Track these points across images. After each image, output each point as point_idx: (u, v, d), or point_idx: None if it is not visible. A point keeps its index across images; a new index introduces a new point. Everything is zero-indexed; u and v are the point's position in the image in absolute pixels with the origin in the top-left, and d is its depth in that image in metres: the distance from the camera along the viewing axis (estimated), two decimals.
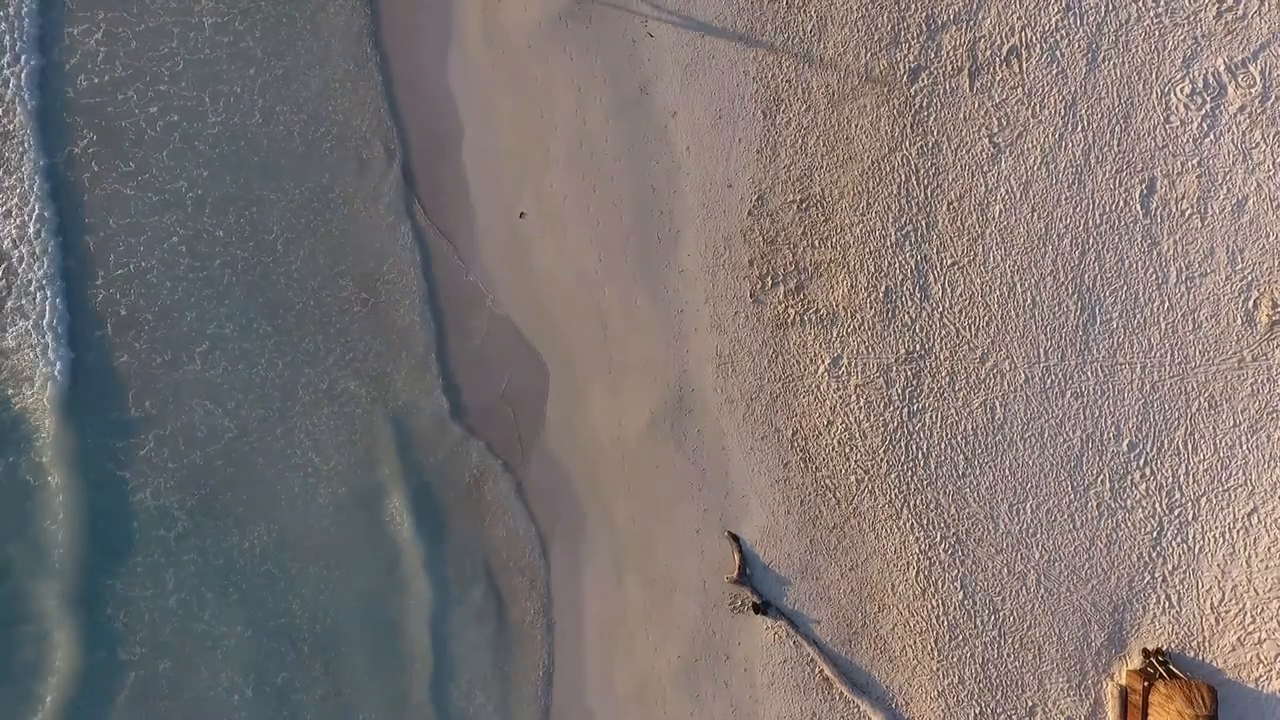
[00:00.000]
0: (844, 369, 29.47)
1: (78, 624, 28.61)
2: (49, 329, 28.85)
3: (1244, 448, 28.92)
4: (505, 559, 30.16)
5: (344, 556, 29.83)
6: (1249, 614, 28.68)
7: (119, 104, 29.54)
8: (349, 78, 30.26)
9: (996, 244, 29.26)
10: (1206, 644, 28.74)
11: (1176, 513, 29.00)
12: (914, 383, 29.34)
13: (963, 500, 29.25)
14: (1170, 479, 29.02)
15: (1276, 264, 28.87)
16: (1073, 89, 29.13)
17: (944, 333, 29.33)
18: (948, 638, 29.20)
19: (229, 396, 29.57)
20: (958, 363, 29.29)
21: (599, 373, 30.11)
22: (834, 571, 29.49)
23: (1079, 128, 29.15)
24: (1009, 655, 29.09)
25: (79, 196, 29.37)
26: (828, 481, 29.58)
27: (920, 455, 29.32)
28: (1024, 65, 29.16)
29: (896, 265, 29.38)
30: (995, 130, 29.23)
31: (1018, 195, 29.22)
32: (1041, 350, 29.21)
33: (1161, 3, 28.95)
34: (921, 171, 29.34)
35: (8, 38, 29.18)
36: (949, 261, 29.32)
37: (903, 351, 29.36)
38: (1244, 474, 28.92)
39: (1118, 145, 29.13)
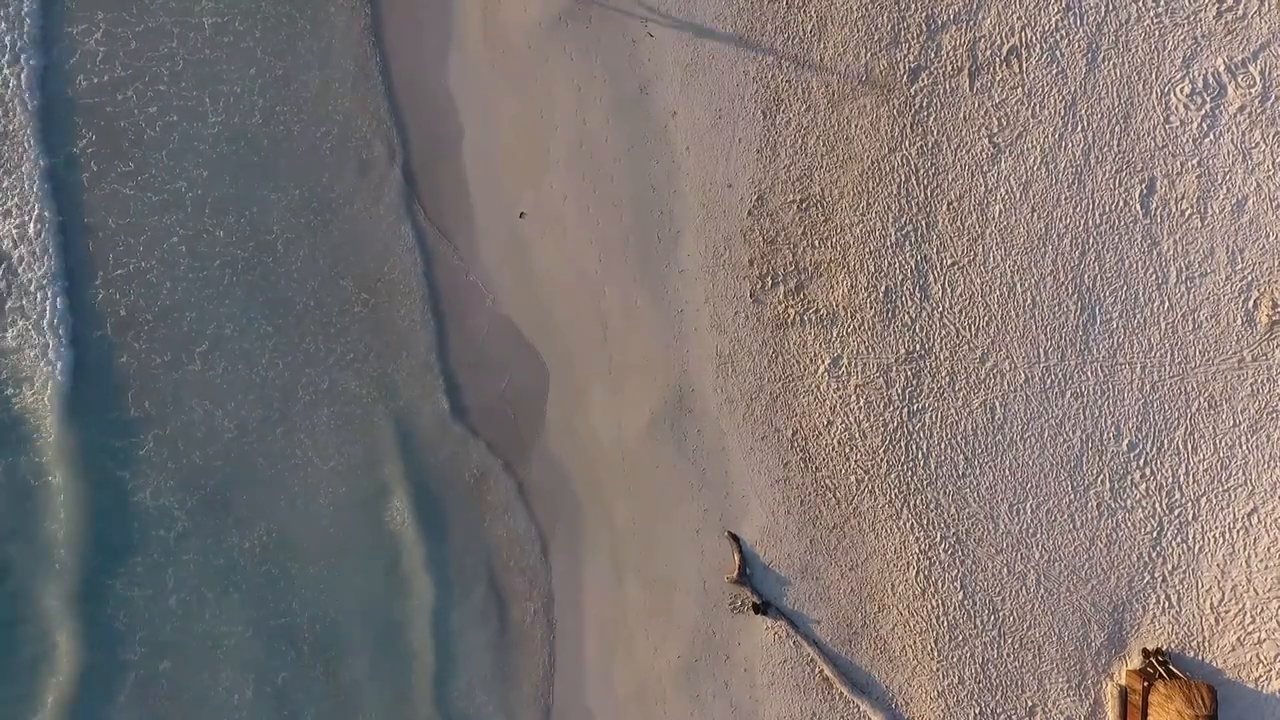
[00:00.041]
0: (844, 369, 29.47)
1: (79, 624, 28.60)
2: (50, 329, 28.84)
3: (1244, 448, 28.93)
4: (505, 559, 30.16)
5: (345, 557, 29.83)
6: (1249, 614, 28.69)
7: (118, 104, 29.51)
8: (349, 78, 30.25)
9: (996, 244, 29.27)
10: (1206, 644, 28.76)
11: (1176, 513, 29.01)
12: (914, 383, 29.34)
13: (963, 500, 29.26)
14: (1170, 479, 29.03)
15: (1276, 264, 28.87)
16: (1073, 89, 29.13)
17: (944, 333, 29.33)
18: (948, 638, 29.21)
19: (229, 397, 29.56)
20: (958, 363, 29.30)
21: (599, 373, 30.11)
22: (834, 571, 29.50)
23: (1079, 128, 29.15)
24: (1009, 655, 29.10)
25: (80, 196, 29.35)
26: (828, 481, 29.58)
27: (920, 455, 29.33)
28: (1024, 65, 29.16)
29: (896, 265, 29.38)
30: (995, 130, 29.23)
31: (1018, 195, 29.23)
32: (1041, 350, 29.21)
33: (1161, 3, 28.96)
34: (921, 171, 29.34)
35: (8, 37, 29.16)
36: (949, 261, 29.32)
37: (903, 351, 29.37)
38: (1244, 474, 28.93)
39: (1118, 145, 29.13)
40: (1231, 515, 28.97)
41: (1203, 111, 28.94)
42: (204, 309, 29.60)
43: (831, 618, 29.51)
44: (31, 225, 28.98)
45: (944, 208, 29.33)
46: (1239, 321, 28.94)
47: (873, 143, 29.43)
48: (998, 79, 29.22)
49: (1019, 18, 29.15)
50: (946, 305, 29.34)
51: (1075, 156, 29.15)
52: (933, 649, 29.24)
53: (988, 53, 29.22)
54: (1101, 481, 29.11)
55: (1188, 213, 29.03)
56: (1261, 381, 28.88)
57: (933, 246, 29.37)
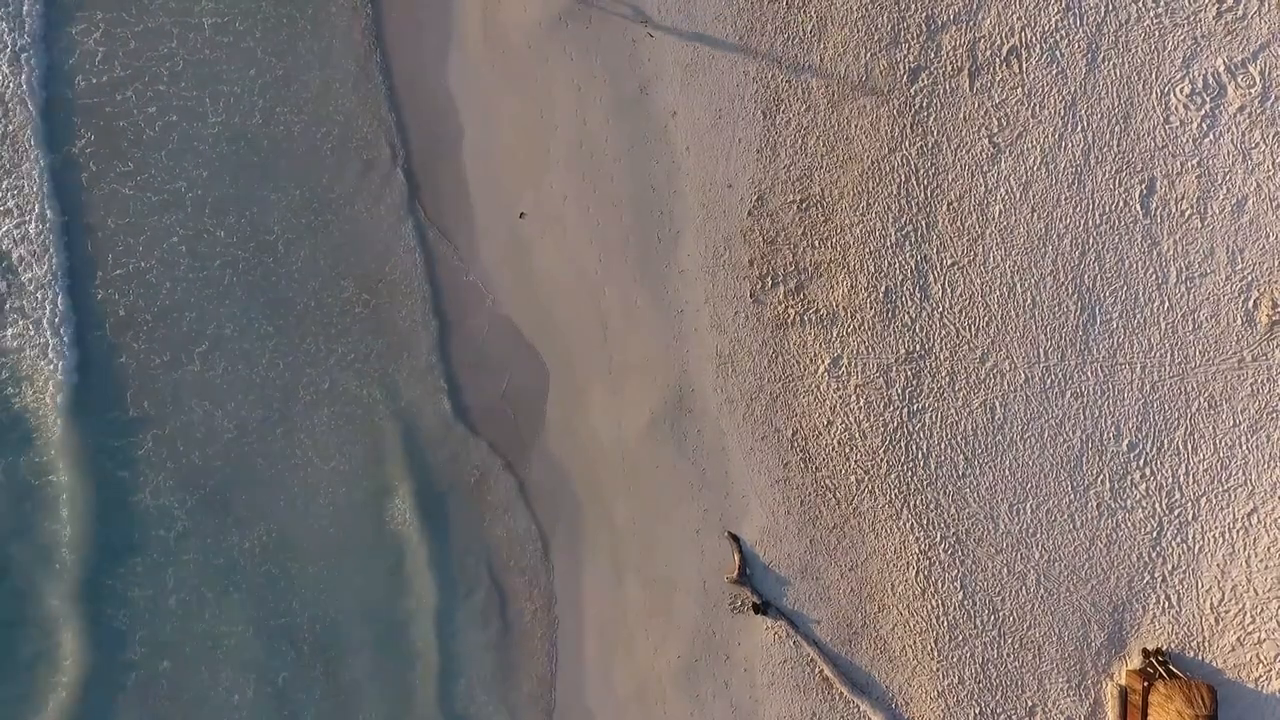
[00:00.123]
0: (844, 369, 29.47)
1: (81, 623, 28.60)
2: (51, 328, 28.83)
3: (1244, 448, 28.94)
4: (506, 559, 30.17)
5: (346, 557, 29.83)
6: (1249, 614, 28.70)
7: (118, 104, 29.51)
8: (349, 78, 30.25)
9: (996, 244, 29.27)
10: (1206, 644, 28.77)
11: (1176, 513, 29.02)
12: (914, 383, 29.35)
13: (963, 500, 29.27)
14: (1170, 479, 29.04)
15: (1276, 264, 28.88)
16: (1073, 89, 29.14)
17: (944, 333, 29.34)
18: (947, 638, 29.22)
19: (230, 397, 29.56)
20: (958, 363, 29.30)
21: (599, 373, 30.10)
22: (834, 571, 29.50)
23: (1079, 128, 29.16)
24: (1009, 655, 29.11)
25: (80, 196, 29.35)
26: (828, 481, 29.59)
27: (920, 455, 29.33)
28: (1024, 65, 29.17)
29: (896, 265, 29.39)
30: (995, 130, 29.24)
31: (1018, 195, 29.23)
32: (1041, 350, 29.22)
33: (1161, 3, 28.96)
34: (921, 171, 29.34)
35: (10, 37, 29.14)
36: (949, 261, 29.33)
37: (903, 351, 29.37)
38: (1244, 474, 28.94)
39: (1117, 145, 29.14)
40: (1231, 515, 28.98)
41: (1203, 112, 28.95)
42: (204, 309, 29.60)
43: (831, 618, 29.51)
44: (33, 225, 28.98)
45: (944, 208, 29.34)
46: (1239, 321, 28.95)
47: (873, 143, 29.43)
48: (998, 79, 29.22)
49: (1019, 18, 29.16)
50: (946, 305, 29.34)
51: (1075, 156, 29.15)
52: (933, 649, 29.25)
53: (988, 53, 29.22)
54: (1101, 481, 29.12)
55: (1188, 213, 29.04)
56: (1261, 381, 28.90)
57: (933, 246, 29.37)
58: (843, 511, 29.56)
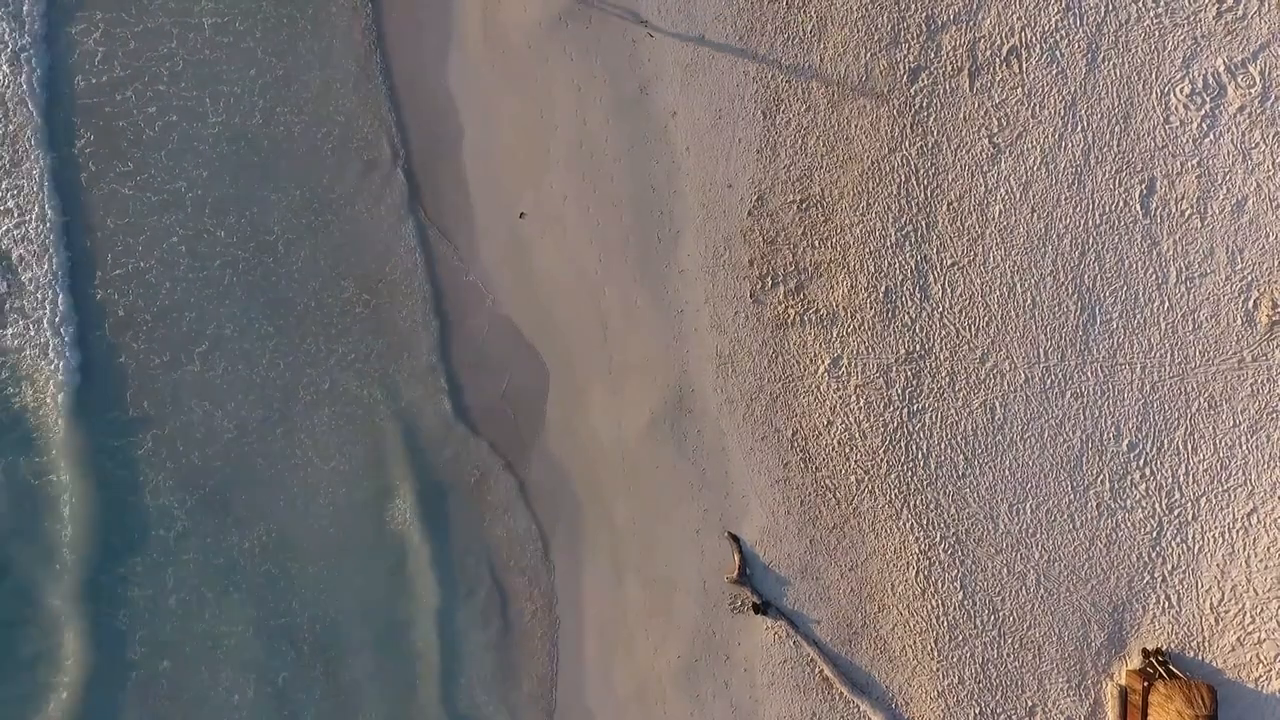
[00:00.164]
0: (844, 369, 29.47)
1: (82, 623, 28.61)
2: (52, 328, 28.82)
3: (1244, 448, 28.94)
4: (506, 559, 30.17)
5: (348, 557, 29.82)
6: (1248, 614, 28.71)
7: (117, 104, 29.50)
8: (349, 78, 30.25)
9: (996, 244, 29.27)
10: (1206, 644, 28.77)
11: (1176, 513, 29.02)
12: (914, 383, 29.35)
13: (963, 500, 29.27)
14: (1170, 479, 29.04)
15: (1276, 264, 28.88)
16: (1072, 89, 29.14)
17: (944, 333, 29.34)
18: (947, 638, 29.22)
19: (230, 397, 29.57)
20: (958, 363, 29.30)
21: (599, 373, 30.10)
22: (834, 572, 29.50)
23: (1079, 128, 29.16)
24: (1009, 655, 29.11)
25: (82, 196, 29.36)
26: (828, 482, 29.59)
27: (920, 455, 29.33)
28: (1024, 65, 29.16)
29: (896, 265, 29.39)
30: (995, 130, 29.23)
31: (1018, 195, 29.23)
32: (1041, 350, 29.22)
33: (1161, 3, 28.96)
34: (921, 172, 29.34)
35: (12, 37, 29.13)
36: (949, 262, 29.33)
37: (903, 352, 29.37)
38: (1244, 474, 28.94)
39: (1117, 145, 29.13)
40: (1231, 515, 28.98)
41: (1202, 112, 28.95)
42: (204, 309, 29.61)
43: (831, 618, 29.51)
44: (33, 225, 28.98)
45: (944, 208, 29.34)
46: (1239, 321, 28.95)
47: (873, 143, 29.43)
48: (998, 79, 29.22)
49: (1019, 18, 29.15)
50: (946, 305, 29.34)
51: (1075, 157, 29.15)
52: (933, 649, 29.25)
53: (988, 53, 29.22)
54: (1101, 481, 29.12)
55: (1188, 213, 29.04)
56: (1261, 382, 28.90)
57: (933, 247, 29.37)
58: (843, 511, 29.56)
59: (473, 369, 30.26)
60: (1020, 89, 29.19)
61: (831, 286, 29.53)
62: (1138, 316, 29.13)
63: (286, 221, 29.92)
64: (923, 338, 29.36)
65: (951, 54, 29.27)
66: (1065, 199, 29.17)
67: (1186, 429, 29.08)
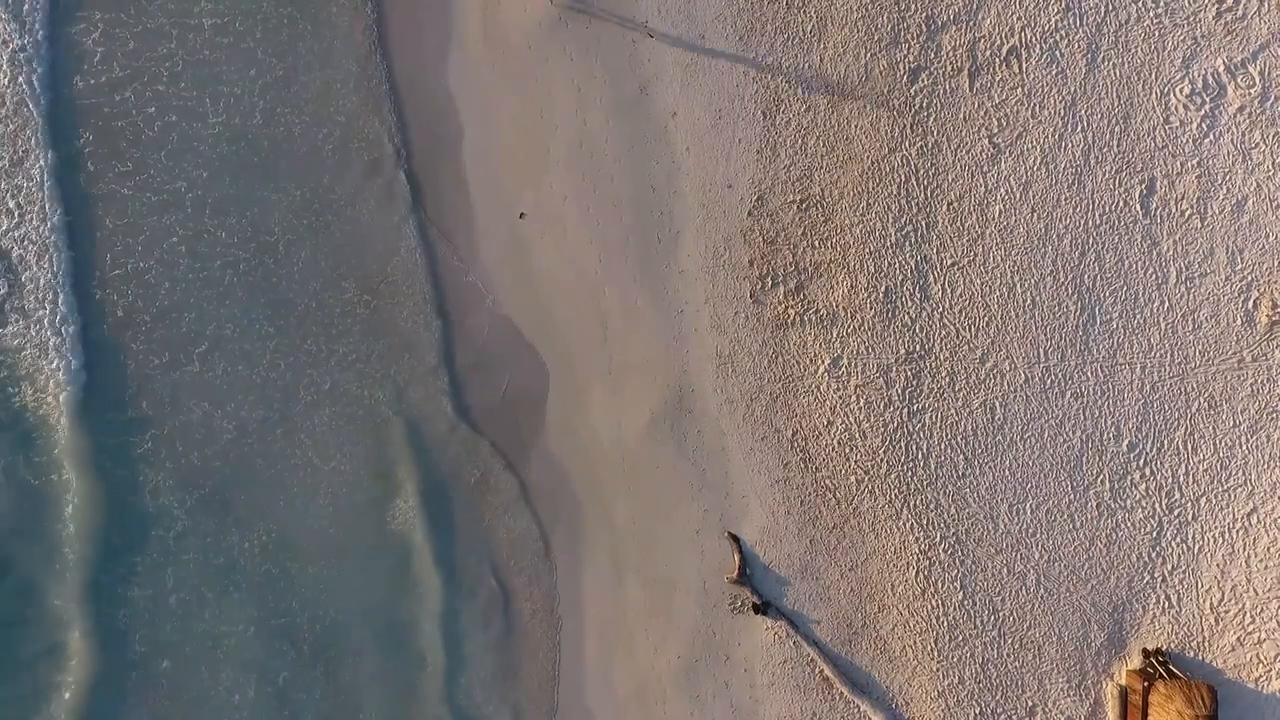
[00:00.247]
0: (844, 369, 29.47)
1: (84, 623, 28.63)
2: (54, 329, 28.83)
3: (1244, 448, 28.94)
4: (507, 559, 30.18)
5: (350, 557, 29.81)
6: (1248, 614, 28.71)
7: (117, 104, 29.52)
8: (350, 79, 30.26)
9: (996, 244, 29.27)
10: (1206, 644, 28.77)
11: (1176, 513, 29.03)
12: (914, 383, 29.35)
13: (963, 500, 29.27)
14: (1170, 479, 29.04)
15: (1276, 264, 28.88)
16: (1072, 89, 29.13)
17: (944, 333, 29.34)
18: (948, 638, 29.22)
19: (231, 397, 29.58)
20: (958, 363, 29.30)
21: (599, 373, 30.10)
22: (834, 572, 29.50)
23: (1079, 128, 29.16)
24: (1009, 655, 29.11)
25: (83, 197, 29.37)
26: (828, 482, 29.59)
27: (920, 455, 29.33)
28: (1024, 65, 29.16)
29: (896, 265, 29.38)
30: (995, 130, 29.23)
31: (1018, 195, 29.23)
32: (1041, 350, 29.22)
33: (1161, 3, 28.96)
34: (921, 172, 29.34)
35: (15, 38, 29.12)
36: (949, 262, 29.33)
37: (903, 352, 29.37)
38: (1244, 474, 28.95)
39: (1117, 145, 29.13)
40: (1231, 515, 28.98)
41: (1202, 112, 28.95)
42: (205, 310, 29.65)
43: (831, 618, 29.51)
44: (34, 225, 29.00)
45: (944, 208, 29.34)
46: (1239, 322, 28.96)
47: (873, 143, 29.43)
48: (998, 79, 29.22)
49: (1019, 18, 29.15)
50: (946, 305, 29.34)
51: (1075, 157, 29.15)
52: (933, 649, 29.25)
53: (987, 53, 29.22)
54: (1101, 482, 29.12)
55: (1187, 213, 29.04)
56: (1261, 382, 28.90)
57: (933, 247, 29.37)
58: (843, 511, 29.56)
59: (473, 369, 30.27)
60: (1020, 89, 29.19)
61: (831, 286, 29.53)
62: (1138, 316, 29.13)
63: (287, 222, 29.93)
64: (923, 338, 29.36)
65: (951, 54, 29.27)
66: (1065, 199, 29.17)
67: (1186, 429, 29.08)
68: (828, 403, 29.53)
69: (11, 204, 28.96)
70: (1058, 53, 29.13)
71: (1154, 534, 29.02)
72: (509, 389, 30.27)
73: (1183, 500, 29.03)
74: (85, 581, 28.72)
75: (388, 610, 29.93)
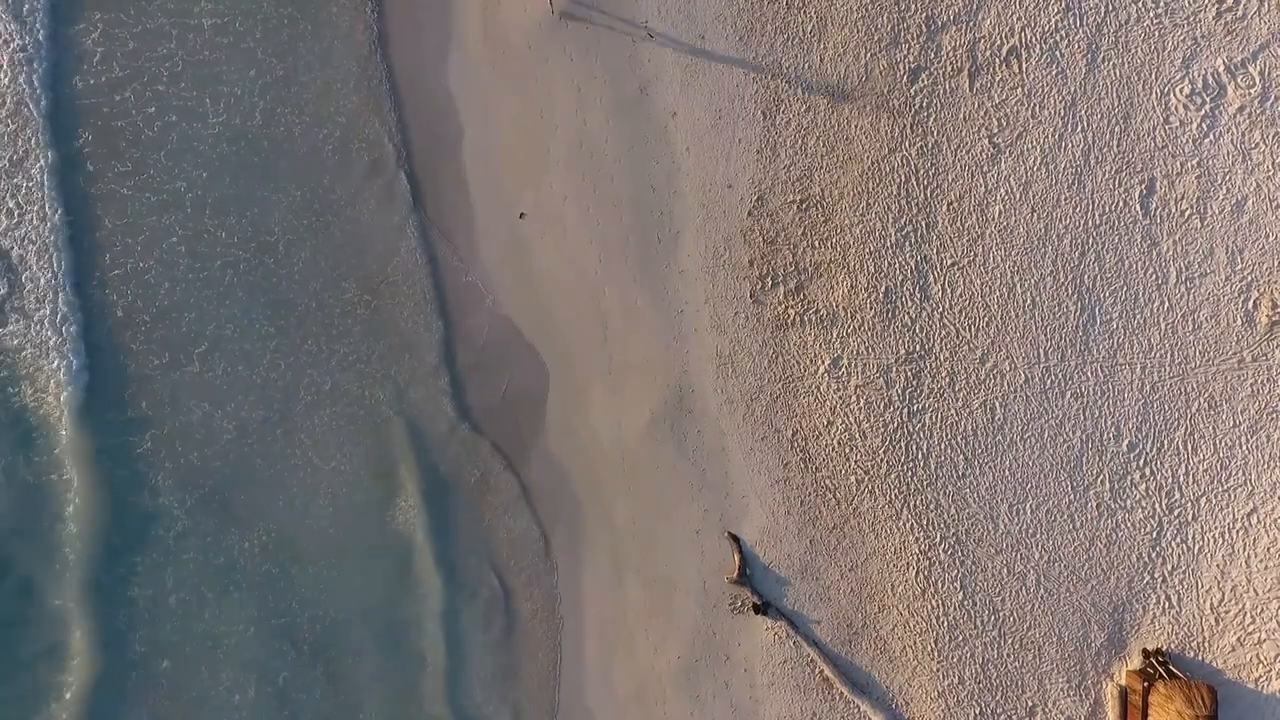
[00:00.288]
0: (844, 369, 29.47)
1: (85, 623, 28.63)
2: (55, 328, 28.82)
3: (1244, 448, 28.94)
4: (508, 559, 30.17)
5: (352, 557, 29.79)
6: (1248, 614, 28.71)
7: (116, 104, 29.51)
8: (350, 79, 30.25)
9: (996, 244, 29.27)
10: (1206, 644, 28.77)
11: (1176, 513, 29.02)
12: (914, 383, 29.34)
13: (963, 501, 29.26)
14: (1170, 479, 29.04)
15: (1276, 264, 28.89)
16: (1072, 89, 29.13)
17: (944, 333, 29.33)
18: (948, 638, 29.22)
19: (231, 397, 29.58)
20: (958, 363, 29.30)
21: (599, 373, 30.09)
22: (834, 572, 29.50)
23: (1079, 128, 29.15)
24: (1009, 655, 29.11)
25: (83, 197, 29.35)
26: (828, 482, 29.58)
27: (920, 456, 29.33)
28: (1024, 66, 29.16)
29: (896, 266, 29.38)
30: (995, 131, 29.23)
31: (1017, 196, 29.23)
32: (1041, 351, 29.22)
33: (1161, 3, 28.96)
34: (921, 172, 29.33)
35: (14, 38, 29.10)
36: (949, 262, 29.32)
37: (903, 352, 29.37)
38: (1244, 474, 28.95)
39: (1117, 146, 29.13)
40: (1231, 515, 28.98)
41: (1202, 112, 28.95)
42: (205, 310, 29.65)
43: (831, 618, 29.51)
44: (35, 225, 28.96)
45: (944, 208, 29.33)
46: (1239, 322, 28.95)
47: (873, 143, 29.42)
48: (998, 79, 29.22)
49: (1019, 18, 29.15)
50: (946, 306, 29.34)
51: (1075, 157, 29.15)
52: (933, 649, 29.25)
53: (987, 53, 29.22)
54: (1101, 482, 29.12)
55: (1187, 213, 29.04)
56: (1261, 382, 28.90)
57: (933, 247, 29.36)
58: (843, 512, 29.55)
59: (473, 369, 30.26)
60: (1020, 89, 29.19)
61: (831, 287, 29.53)
62: (1138, 317, 29.13)
63: (287, 222, 29.92)
64: (923, 338, 29.36)
65: (951, 54, 29.27)
66: (1065, 199, 29.17)
67: (1186, 429, 29.08)
68: (828, 403, 29.53)
69: (11, 204, 28.95)
70: (1058, 53, 29.13)
71: (1154, 534, 29.02)
72: (509, 389, 30.26)
73: (1183, 500, 29.03)
74: (85, 581, 28.71)
75: (388, 610, 29.92)
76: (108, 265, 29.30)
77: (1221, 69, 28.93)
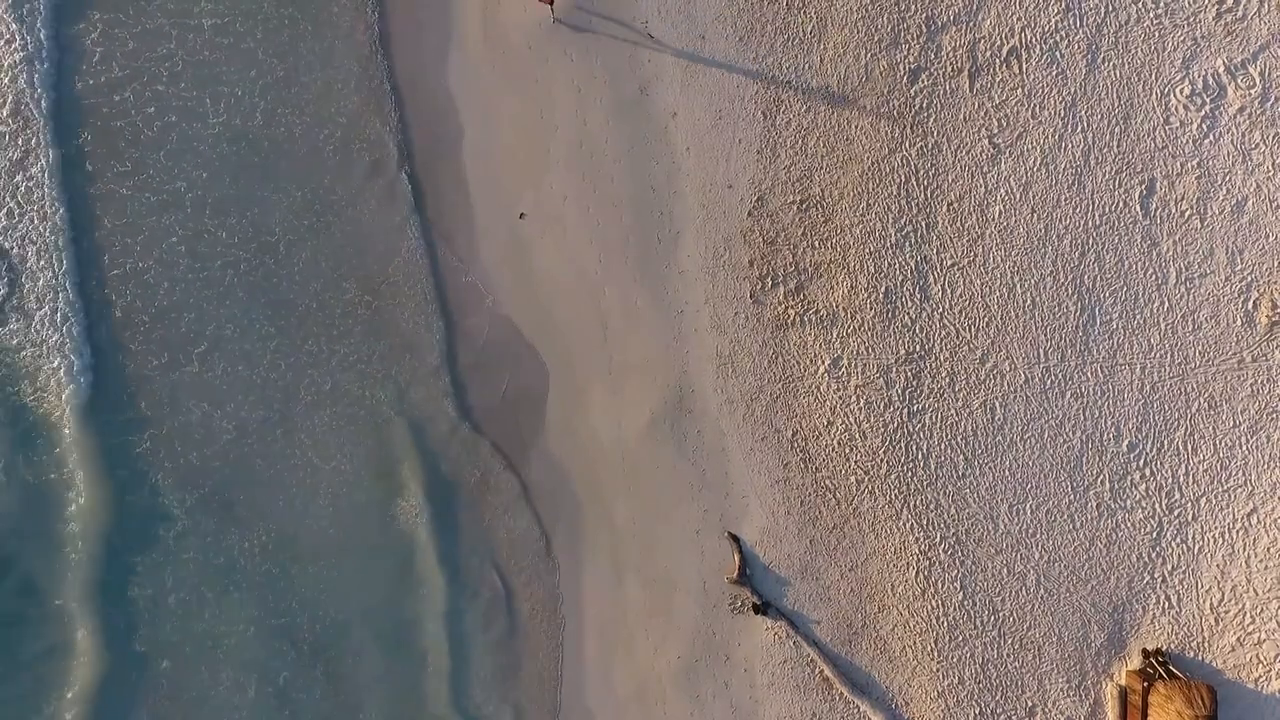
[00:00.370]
0: (844, 370, 29.48)
1: (87, 623, 28.62)
2: (57, 328, 28.84)
3: (1244, 448, 28.96)
4: (508, 559, 30.18)
5: (352, 557, 29.80)
6: (1248, 614, 28.73)
7: (115, 105, 29.51)
8: (351, 79, 30.25)
9: (996, 245, 29.28)
10: (1206, 644, 28.79)
11: (1176, 513, 29.04)
12: (914, 383, 29.36)
13: (963, 501, 29.28)
14: (1170, 479, 29.06)
15: (1276, 264, 28.90)
16: (1072, 90, 29.15)
17: (944, 333, 29.35)
18: (947, 638, 29.23)
19: (231, 398, 29.59)
20: (958, 363, 29.31)
21: (599, 373, 30.11)
22: (834, 572, 29.51)
23: (1079, 129, 29.17)
24: (1009, 656, 29.13)
25: (85, 197, 29.36)
26: (828, 482, 29.59)
27: (920, 456, 29.34)
28: (1024, 66, 29.18)
29: (896, 266, 29.40)
30: (995, 131, 29.25)
31: (1017, 196, 29.24)
32: (1041, 351, 29.23)
33: (1161, 4, 28.98)
34: (921, 172, 29.35)
35: (16, 38, 29.13)
36: (949, 262, 29.34)
37: (903, 352, 29.38)
38: (1244, 474, 28.96)
39: (1117, 146, 29.15)
40: (1231, 516, 29.00)
41: (1202, 113, 28.96)
42: (205, 310, 29.64)
43: (831, 618, 29.52)
44: (36, 224, 28.98)
45: (944, 208, 29.35)
46: (1239, 322, 28.97)
47: (873, 144, 29.44)
48: (998, 80, 29.23)
49: (1019, 19, 29.17)
50: (946, 306, 29.36)
51: (1075, 157, 29.17)
52: (933, 649, 29.26)
53: (988, 54, 29.23)
54: (1101, 482, 29.13)
55: (1187, 214, 29.06)
56: (1261, 382, 28.91)
57: (933, 247, 29.38)
58: (843, 512, 29.57)
59: (473, 369, 30.27)
60: (1020, 90, 29.21)
61: (831, 287, 29.54)
62: (1137, 317, 29.15)
63: (288, 222, 29.93)
64: (923, 338, 29.38)
65: (951, 55, 29.29)
66: (1065, 200, 29.18)
67: (1186, 429, 29.10)
68: (828, 403, 29.54)
69: (12, 204, 28.96)
70: (1058, 53, 29.14)
71: (1154, 534, 29.03)
72: (509, 389, 30.28)
73: (1183, 500, 29.04)
74: (86, 581, 28.72)
75: (388, 610, 29.93)
76: (107, 265, 29.30)
77: (1222, 70, 28.94)
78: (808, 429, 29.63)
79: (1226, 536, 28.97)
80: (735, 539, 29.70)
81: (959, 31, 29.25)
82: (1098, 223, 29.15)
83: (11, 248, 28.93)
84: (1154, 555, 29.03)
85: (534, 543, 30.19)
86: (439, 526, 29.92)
